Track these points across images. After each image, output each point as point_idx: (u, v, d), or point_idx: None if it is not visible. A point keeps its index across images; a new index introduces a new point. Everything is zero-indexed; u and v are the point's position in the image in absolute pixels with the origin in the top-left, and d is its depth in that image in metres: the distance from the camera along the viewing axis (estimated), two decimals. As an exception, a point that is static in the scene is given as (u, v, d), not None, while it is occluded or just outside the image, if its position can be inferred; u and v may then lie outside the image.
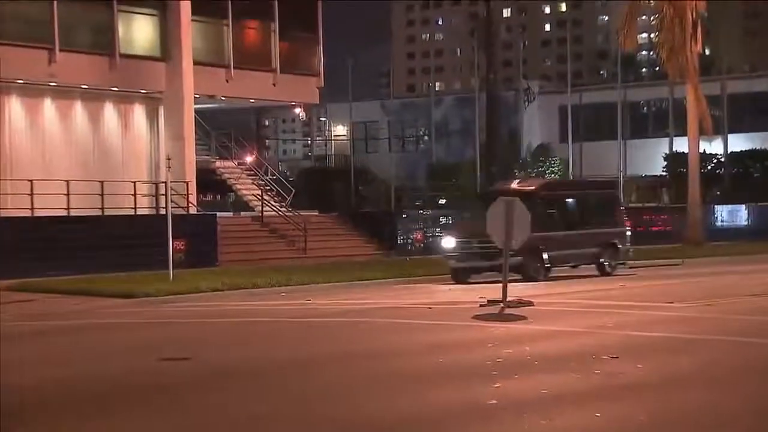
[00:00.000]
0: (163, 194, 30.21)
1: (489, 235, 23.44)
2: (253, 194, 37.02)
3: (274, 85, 37.99)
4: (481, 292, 19.81)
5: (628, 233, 26.74)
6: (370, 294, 22.01)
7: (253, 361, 12.19)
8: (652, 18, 41.85)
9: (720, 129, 55.23)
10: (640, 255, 32.42)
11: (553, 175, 58.73)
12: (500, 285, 17.58)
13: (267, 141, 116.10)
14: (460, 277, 24.50)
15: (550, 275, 24.91)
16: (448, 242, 25.15)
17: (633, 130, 61.68)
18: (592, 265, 25.97)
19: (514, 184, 27.12)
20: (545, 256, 24.36)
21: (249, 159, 40.53)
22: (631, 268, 27.18)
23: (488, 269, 23.84)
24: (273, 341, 14.46)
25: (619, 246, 26.38)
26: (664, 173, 57.83)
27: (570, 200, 26.47)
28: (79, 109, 33.54)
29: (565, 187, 26.85)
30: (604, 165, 58.35)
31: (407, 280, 25.10)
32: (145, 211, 32.78)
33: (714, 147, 57.90)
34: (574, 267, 25.86)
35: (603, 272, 25.79)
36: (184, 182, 32.74)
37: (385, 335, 14.46)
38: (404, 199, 49.18)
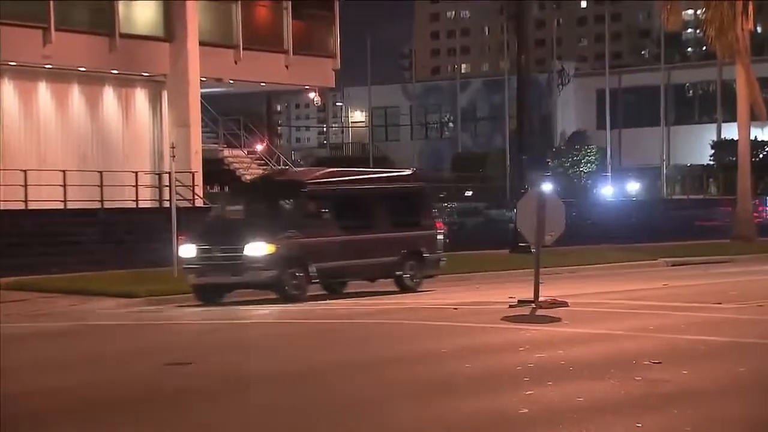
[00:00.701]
0: (166, 186, 30.31)
1: (235, 242, 19.78)
2: (263, 185, 37.02)
3: (286, 67, 38.03)
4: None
5: (440, 238, 22.84)
6: (391, 293, 22.00)
7: (263, 368, 12.21)
8: (698, -7, 41.64)
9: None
10: (687, 251, 32.30)
11: (589, 165, 58.57)
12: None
13: (279, 128, 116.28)
14: (205, 295, 20.49)
15: (344, 291, 21.84)
16: (187, 250, 20.74)
17: (677, 116, 61.43)
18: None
19: (282, 174, 23.22)
20: (312, 268, 20.38)
21: (259, 147, 40.61)
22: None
23: (238, 286, 20.48)
24: (284, 346, 14.48)
25: (426, 254, 22.32)
26: (711, 162, 57.56)
27: (354, 196, 21.93)
28: (76, 93, 33.67)
29: (349, 178, 22.61)
30: (645, 153, 58.19)
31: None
32: (148, 204, 32.88)
33: (766, 133, 57.54)
34: (371, 281, 22.15)
35: (404, 288, 21.89)
36: (190, 172, 32.84)
37: (407, 338, 14.46)
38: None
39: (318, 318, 17.70)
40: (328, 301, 20.51)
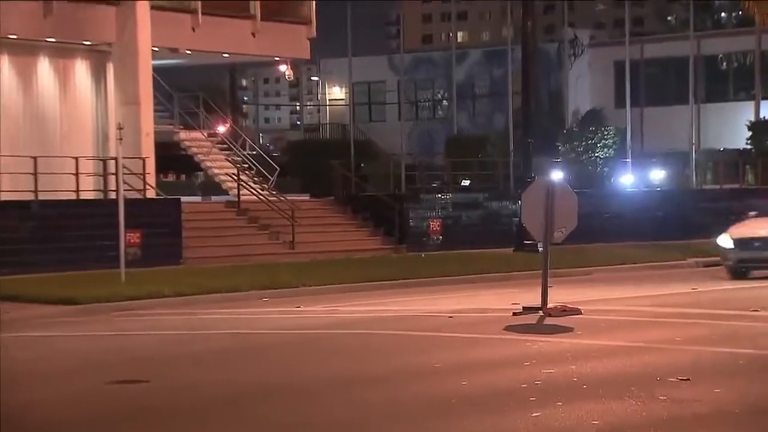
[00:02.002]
0: (113, 173, 30.24)
1: None
2: (226, 173, 37.06)
3: (253, 35, 37.96)
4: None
5: None
6: (375, 299, 22.06)
7: (228, 386, 12.23)
8: (733, -51, 41.73)
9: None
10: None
11: (606, 149, 58.74)
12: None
13: (244, 106, 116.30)
14: None
15: None
16: None
17: (709, 92, 61.55)
18: None
19: None
20: None
21: (222, 129, 40.55)
22: None
23: None
24: (253, 360, 14.50)
25: None
26: (748, 146, 57.73)
27: None
28: (5, 65, 33.55)
29: None
30: (671, 136, 58.31)
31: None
32: (91, 195, 32.83)
33: (811, 113, 57.77)
34: None
35: None
36: (140, 158, 32.76)
37: (396, 352, 14.49)
38: (418, 179, 49.25)
39: (287, 328, 17.70)
40: (302, 308, 20.54)
